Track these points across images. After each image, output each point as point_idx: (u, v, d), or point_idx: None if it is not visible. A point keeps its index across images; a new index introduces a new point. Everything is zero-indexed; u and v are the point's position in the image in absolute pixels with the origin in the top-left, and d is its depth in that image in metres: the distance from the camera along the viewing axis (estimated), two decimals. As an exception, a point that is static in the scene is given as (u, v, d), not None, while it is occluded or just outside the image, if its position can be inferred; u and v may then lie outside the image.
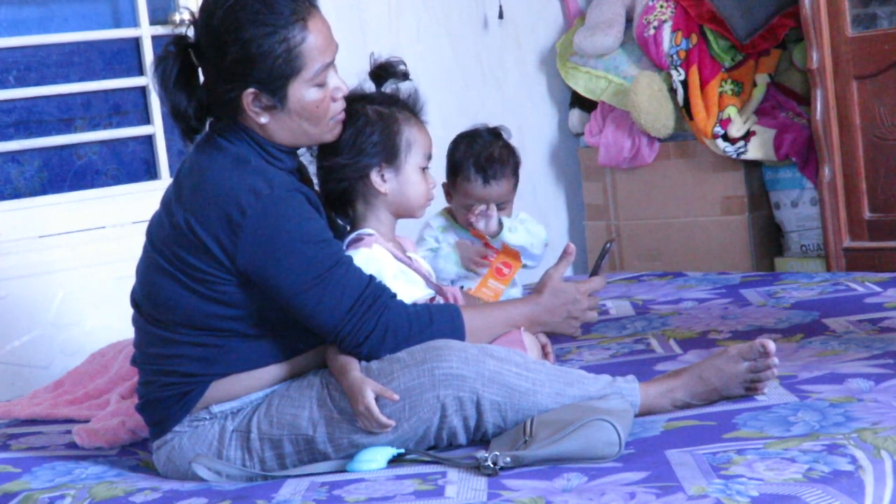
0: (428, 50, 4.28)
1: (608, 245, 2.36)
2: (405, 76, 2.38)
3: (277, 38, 2.12)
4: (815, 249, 4.14)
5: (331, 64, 2.20)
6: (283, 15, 2.13)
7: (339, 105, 2.23)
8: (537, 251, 2.92)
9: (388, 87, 2.38)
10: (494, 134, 2.91)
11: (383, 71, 2.36)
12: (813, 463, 1.81)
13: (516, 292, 3.02)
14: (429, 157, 2.37)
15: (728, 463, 1.84)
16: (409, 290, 2.28)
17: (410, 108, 2.36)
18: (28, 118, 3.65)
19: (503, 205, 2.88)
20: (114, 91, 3.77)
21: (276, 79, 2.14)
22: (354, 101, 2.30)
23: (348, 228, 2.38)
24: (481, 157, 2.82)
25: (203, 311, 2.15)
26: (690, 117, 4.13)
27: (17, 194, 3.61)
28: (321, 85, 2.18)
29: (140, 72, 3.78)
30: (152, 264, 2.20)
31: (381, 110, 2.31)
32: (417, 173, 2.34)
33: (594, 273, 2.36)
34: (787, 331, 2.70)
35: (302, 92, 2.16)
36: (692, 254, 4.31)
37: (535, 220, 2.98)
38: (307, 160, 2.35)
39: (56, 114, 3.69)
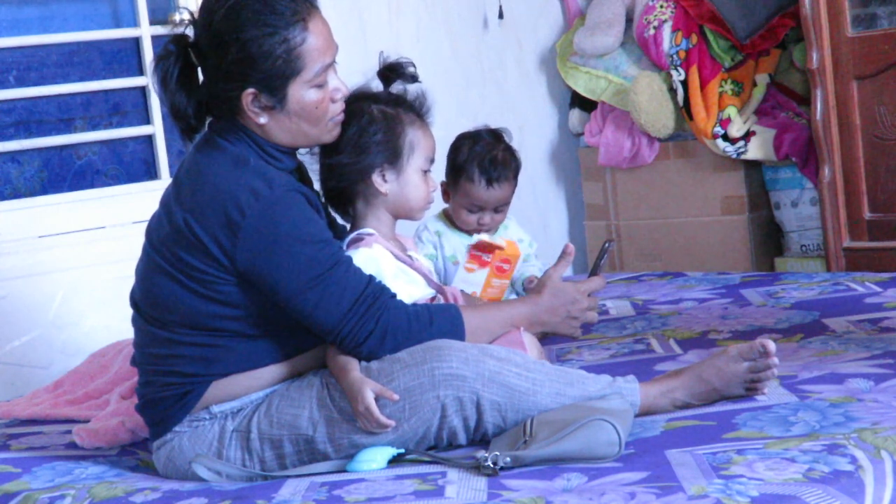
0: (428, 50, 4.28)
1: (607, 245, 2.36)
2: (413, 78, 2.37)
3: (278, 38, 2.12)
4: (815, 249, 4.14)
5: (331, 65, 2.20)
6: (284, 15, 2.13)
7: (339, 106, 2.23)
8: None
9: (396, 88, 2.37)
10: (496, 136, 2.92)
11: (391, 71, 2.36)
12: (813, 463, 1.81)
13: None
14: (431, 161, 2.36)
15: (728, 463, 1.84)
16: (410, 289, 2.28)
17: (416, 109, 2.35)
18: (28, 118, 3.65)
19: (501, 208, 2.89)
20: (114, 91, 3.78)
21: (276, 79, 2.14)
22: (360, 99, 2.29)
23: (348, 228, 2.38)
24: (485, 160, 2.83)
25: (202, 312, 2.15)
26: (690, 117, 4.13)
27: (17, 194, 3.61)
28: (321, 86, 2.18)
29: (140, 72, 3.78)
30: (152, 264, 2.20)
31: (386, 111, 2.30)
32: (419, 175, 2.33)
33: (593, 273, 2.36)
34: (787, 331, 2.70)
35: (301, 93, 2.16)
36: (692, 254, 4.31)
37: (535, 248, 3.00)
38: (307, 159, 2.35)
39: (56, 114, 3.69)
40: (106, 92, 3.76)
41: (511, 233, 3.00)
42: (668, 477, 1.81)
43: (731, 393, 2.19)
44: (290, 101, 2.16)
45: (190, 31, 2.20)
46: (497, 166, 2.84)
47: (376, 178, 2.30)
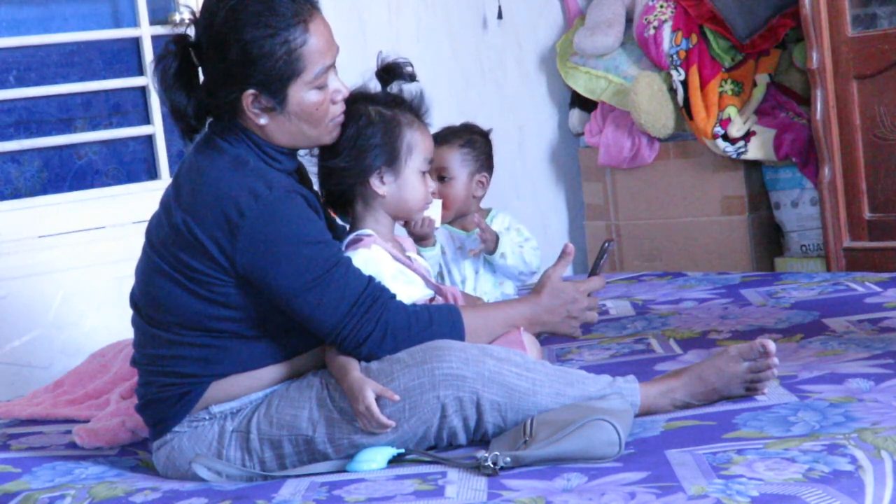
0: (428, 50, 4.28)
1: (607, 245, 2.36)
2: (412, 78, 2.36)
3: (278, 39, 2.12)
4: (815, 249, 4.14)
5: (331, 66, 2.19)
6: (285, 17, 2.13)
7: (339, 108, 2.23)
8: (524, 276, 3.00)
9: (394, 88, 2.36)
10: (480, 130, 3.04)
11: (389, 71, 2.35)
12: (813, 463, 1.81)
13: (510, 290, 3.03)
14: (430, 161, 2.36)
15: (728, 463, 1.84)
16: (409, 290, 2.28)
17: (415, 110, 2.35)
18: (28, 118, 3.65)
19: (447, 180, 2.93)
20: (114, 91, 3.78)
21: (277, 80, 2.14)
22: (358, 100, 2.29)
23: (348, 229, 2.38)
24: (440, 129, 2.94)
25: (202, 313, 2.15)
26: (690, 117, 4.13)
27: (17, 194, 3.61)
28: (321, 87, 2.18)
29: (140, 72, 3.78)
30: (151, 265, 2.19)
31: (383, 112, 2.30)
32: (417, 177, 2.33)
33: (593, 273, 2.35)
34: (787, 331, 2.70)
35: (302, 94, 2.16)
36: (692, 254, 4.31)
37: (534, 244, 3.01)
38: (306, 161, 2.34)
39: (56, 114, 3.69)
40: (106, 92, 3.76)
41: (498, 223, 3.02)
42: (668, 477, 1.81)
43: (731, 393, 2.19)
44: (290, 103, 2.16)
45: (191, 31, 2.20)
46: (444, 130, 2.95)
47: (374, 181, 2.30)
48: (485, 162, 3.01)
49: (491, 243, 2.95)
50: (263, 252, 2.10)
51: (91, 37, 3.72)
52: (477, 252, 2.96)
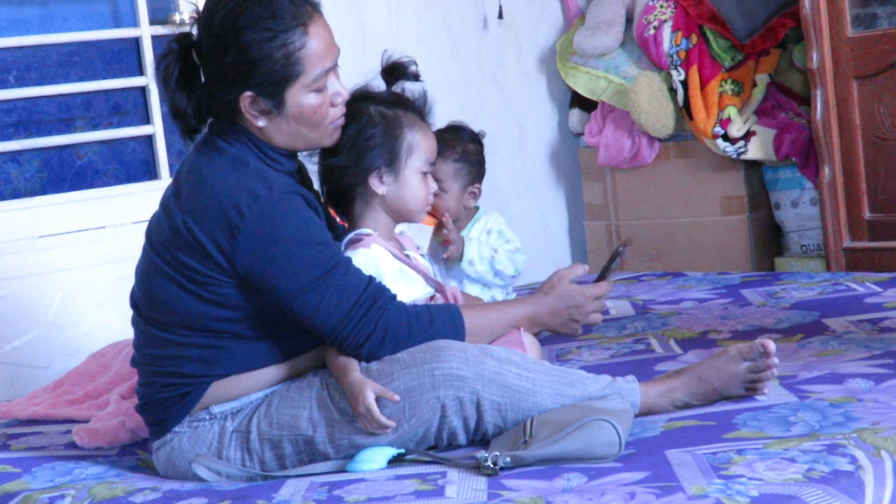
0: (428, 50, 4.28)
1: (621, 249, 2.32)
2: (416, 77, 2.35)
3: (277, 42, 2.11)
4: (815, 249, 4.14)
5: (331, 69, 2.18)
6: (284, 20, 2.12)
7: (339, 110, 2.22)
8: (499, 281, 2.98)
9: (398, 87, 2.35)
10: (471, 134, 2.96)
11: (393, 71, 2.34)
12: (813, 463, 1.81)
13: (499, 295, 3.01)
14: (432, 163, 2.35)
15: (728, 463, 1.84)
16: (409, 289, 2.27)
17: (418, 110, 2.34)
18: (28, 118, 3.65)
19: (439, 191, 2.91)
20: (114, 91, 3.77)
21: (275, 83, 2.13)
22: (360, 100, 2.28)
23: (347, 229, 2.38)
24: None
25: (202, 313, 2.15)
26: (690, 117, 4.13)
27: (17, 194, 3.61)
28: (320, 90, 2.17)
29: (140, 72, 3.78)
30: (151, 266, 2.19)
31: (384, 112, 2.29)
32: (417, 178, 2.32)
33: (602, 276, 2.33)
34: (787, 331, 2.70)
35: (300, 97, 2.16)
36: (692, 254, 4.31)
37: (513, 247, 2.98)
38: (306, 161, 2.34)
39: (56, 114, 3.69)
40: (106, 92, 3.76)
41: (481, 225, 3.01)
42: (668, 477, 1.81)
43: (731, 393, 2.18)
44: (288, 105, 2.16)
45: (194, 30, 2.19)
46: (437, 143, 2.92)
47: (373, 181, 2.29)
48: (477, 172, 2.97)
49: (457, 248, 2.91)
50: (263, 253, 2.09)
51: (91, 37, 3.71)
52: (445, 258, 2.93)
